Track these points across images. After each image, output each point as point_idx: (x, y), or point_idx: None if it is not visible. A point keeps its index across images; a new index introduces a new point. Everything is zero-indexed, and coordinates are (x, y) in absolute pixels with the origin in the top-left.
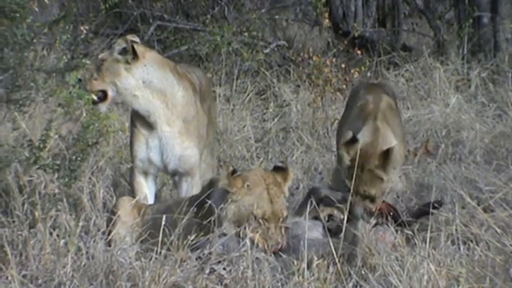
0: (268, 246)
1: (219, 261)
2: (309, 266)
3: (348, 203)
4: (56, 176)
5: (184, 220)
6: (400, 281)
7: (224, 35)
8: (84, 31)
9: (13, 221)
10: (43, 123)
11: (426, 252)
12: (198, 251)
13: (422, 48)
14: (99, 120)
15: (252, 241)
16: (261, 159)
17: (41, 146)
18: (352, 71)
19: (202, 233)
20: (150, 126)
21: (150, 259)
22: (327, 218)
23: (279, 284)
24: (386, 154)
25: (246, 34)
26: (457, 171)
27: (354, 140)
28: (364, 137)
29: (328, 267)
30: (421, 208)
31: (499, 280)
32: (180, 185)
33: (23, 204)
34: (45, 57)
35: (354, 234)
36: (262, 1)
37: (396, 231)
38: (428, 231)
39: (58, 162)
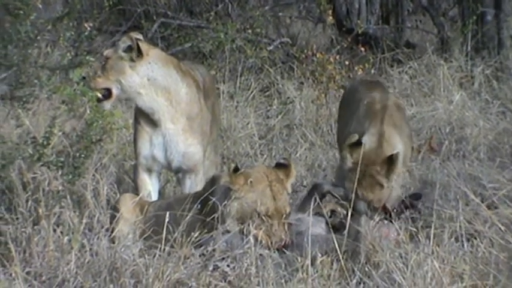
0: (271, 242)
1: (223, 258)
2: (312, 263)
3: (352, 199)
4: (59, 173)
5: (188, 217)
6: (403, 277)
7: (228, 32)
8: (88, 28)
9: (17, 218)
10: (47, 120)
11: (430, 249)
12: (202, 247)
13: (426, 45)
14: (103, 117)
15: (256, 238)
16: (265, 156)
17: (45, 143)
18: (355, 68)
19: (205, 230)
20: (154, 123)
21: (154, 256)
22: (329, 214)
23: (283, 280)
24: (391, 160)
25: (249, 31)
26: (460, 168)
27: (358, 143)
28: (369, 141)
29: (331, 264)
30: (404, 201)
31: (502, 277)
32: (184, 182)
33: (27, 201)
34: (49, 54)
35: (358, 231)
36: None
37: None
38: (432, 228)
39: (62, 159)
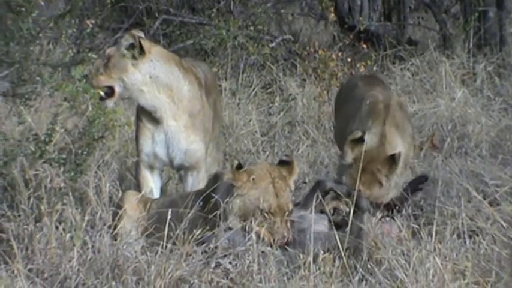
0: (274, 240)
1: (225, 255)
2: (314, 260)
3: (354, 196)
4: (61, 170)
5: (190, 214)
6: (406, 275)
7: (230, 29)
8: (90, 25)
9: (19, 215)
10: (49, 117)
11: (432, 246)
12: (204, 245)
13: (428, 42)
14: (105, 114)
15: (258, 235)
16: (267, 153)
17: (47, 140)
18: (358, 65)
19: (208, 227)
20: (156, 120)
21: (156, 253)
22: (332, 211)
23: (285, 277)
24: (392, 160)
25: (251, 28)
26: (463, 165)
27: (361, 140)
28: (371, 141)
29: (334, 261)
30: (408, 187)
31: (504, 274)
32: (186, 179)
33: (29, 198)
34: (51, 51)
35: (360, 228)
36: None
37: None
38: (434, 225)
39: (64, 156)
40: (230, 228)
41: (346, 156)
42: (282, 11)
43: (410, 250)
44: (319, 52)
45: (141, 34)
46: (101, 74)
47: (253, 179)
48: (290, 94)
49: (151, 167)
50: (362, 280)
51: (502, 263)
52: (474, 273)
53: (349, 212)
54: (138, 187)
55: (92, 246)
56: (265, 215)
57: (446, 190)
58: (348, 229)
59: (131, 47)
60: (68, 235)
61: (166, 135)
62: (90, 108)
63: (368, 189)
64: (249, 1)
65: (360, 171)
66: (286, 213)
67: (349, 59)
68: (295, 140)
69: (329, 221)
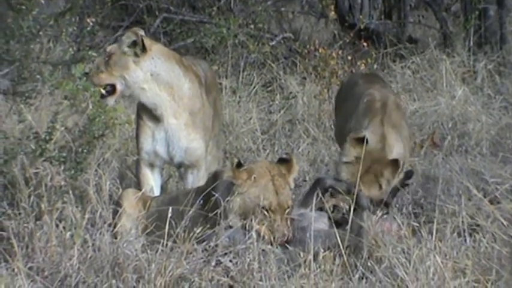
0: (274, 238)
1: (225, 254)
2: (315, 258)
3: (355, 193)
4: (62, 168)
5: (190, 212)
6: (406, 273)
7: (230, 27)
8: (90, 23)
9: (19, 213)
10: (49, 116)
11: (432, 244)
12: (204, 243)
13: (429, 40)
14: (105, 112)
15: (258, 233)
16: (267, 151)
17: (47, 138)
18: (358, 63)
19: (208, 225)
20: (156, 118)
21: (156, 251)
22: (332, 209)
23: (285, 276)
24: (395, 165)
25: (252, 26)
26: (463, 163)
27: (363, 140)
28: (370, 140)
29: (334, 259)
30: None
31: (505, 272)
32: (186, 177)
33: (29, 197)
34: (51, 49)
35: (360, 226)
36: None
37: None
38: (435, 223)
39: (64, 154)
40: (230, 227)
41: (347, 154)
42: (283, 9)
43: (411, 248)
44: (320, 50)
45: (142, 32)
46: (102, 72)
47: (254, 178)
48: (290, 92)
49: (151, 165)
50: (362, 278)
51: (502, 261)
52: (474, 272)
53: (349, 209)
54: (138, 185)
55: (92, 244)
56: (265, 212)
57: (447, 188)
58: (348, 227)
59: (133, 44)
60: (68, 233)
61: (167, 133)
62: (90, 107)
63: (368, 190)
64: None
65: (360, 170)
66: (286, 210)
67: (349, 57)
68: (295, 138)
69: (329, 218)
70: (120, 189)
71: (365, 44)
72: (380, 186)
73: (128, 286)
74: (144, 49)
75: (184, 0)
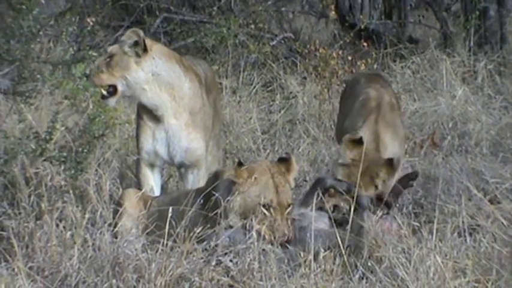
0: (274, 238)
1: (226, 253)
2: (315, 258)
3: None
4: (62, 168)
5: (190, 212)
6: (406, 273)
7: (230, 27)
8: (91, 23)
9: (19, 213)
10: (49, 115)
11: (433, 244)
12: (205, 243)
13: (429, 40)
14: (105, 112)
15: (259, 233)
16: (268, 151)
17: (47, 138)
18: (358, 63)
19: (208, 225)
20: (156, 118)
21: (157, 251)
22: (332, 209)
23: (286, 275)
24: (390, 165)
25: (252, 26)
26: (463, 163)
27: (359, 141)
28: (365, 140)
29: (334, 259)
30: (398, 184)
31: (505, 272)
32: (186, 177)
33: (30, 196)
34: (52, 49)
35: (360, 226)
36: None
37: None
38: (435, 223)
39: (64, 154)
40: (231, 226)
41: (343, 156)
42: (283, 9)
43: (411, 248)
44: (320, 50)
45: (141, 32)
46: (103, 72)
47: (255, 178)
48: (291, 92)
49: (151, 165)
50: (362, 278)
51: (502, 261)
52: (475, 271)
53: (350, 209)
54: (138, 185)
55: (93, 244)
56: (266, 211)
57: (447, 188)
58: (348, 227)
59: (134, 44)
60: (69, 233)
61: (167, 133)
62: (90, 106)
63: (364, 190)
64: None
65: (357, 170)
66: (287, 209)
67: (349, 57)
68: (295, 138)
69: (329, 218)
70: (121, 189)
71: (365, 44)
72: (376, 187)
73: (128, 286)
74: (145, 49)
75: (184, 0)
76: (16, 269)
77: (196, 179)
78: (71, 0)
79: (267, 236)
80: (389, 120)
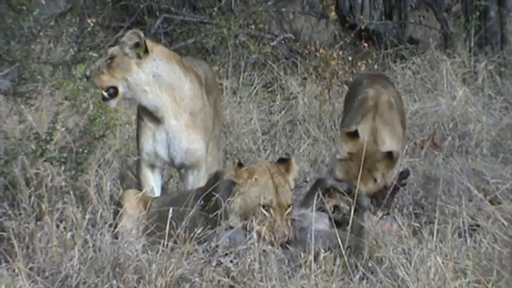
0: (275, 238)
1: (226, 254)
2: (315, 258)
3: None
4: (62, 168)
5: (190, 213)
6: (407, 273)
7: (231, 28)
8: (91, 24)
9: (20, 214)
10: (50, 116)
11: (433, 244)
12: (205, 243)
13: (429, 41)
14: (105, 113)
15: (259, 234)
16: (268, 151)
17: (48, 138)
18: (359, 63)
19: (208, 226)
20: (157, 119)
21: (157, 252)
22: (332, 209)
23: (286, 276)
24: (389, 158)
25: (252, 27)
26: (463, 163)
27: (355, 135)
28: (362, 135)
29: (335, 260)
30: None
31: (506, 272)
32: (187, 177)
33: (30, 197)
34: (52, 50)
35: (361, 226)
36: None
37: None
38: (435, 224)
39: (65, 155)
40: (231, 227)
41: (340, 150)
42: (283, 9)
43: (411, 249)
44: (320, 51)
45: (142, 33)
46: (104, 74)
47: (255, 179)
48: (291, 93)
49: (152, 166)
50: (363, 279)
51: (503, 261)
52: (475, 272)
53: (350, 210)
54: (139, 186)
55: (93, 245)
56: (266, 212)
57: (447, 189)
58: (348, 227)
59: (135, 46)
60: (69, 234)
61: (167, 134)
62: (91, 107)
63: (363, 184)
64: (249, 0)
65: (356, 168)
66: (287, 209)
67: (350, 58)
68: (296, 138)
69: (330, 219)
70: (121, 190)
71: (366, 44)
72: (375, 181)
73: (129, 287)
74: (146, 51)
75: (184, 1)
76: (16, 270)
77: (197, 180)
78: (71, 1)
79: (267, 237)
80: (387, 118)
